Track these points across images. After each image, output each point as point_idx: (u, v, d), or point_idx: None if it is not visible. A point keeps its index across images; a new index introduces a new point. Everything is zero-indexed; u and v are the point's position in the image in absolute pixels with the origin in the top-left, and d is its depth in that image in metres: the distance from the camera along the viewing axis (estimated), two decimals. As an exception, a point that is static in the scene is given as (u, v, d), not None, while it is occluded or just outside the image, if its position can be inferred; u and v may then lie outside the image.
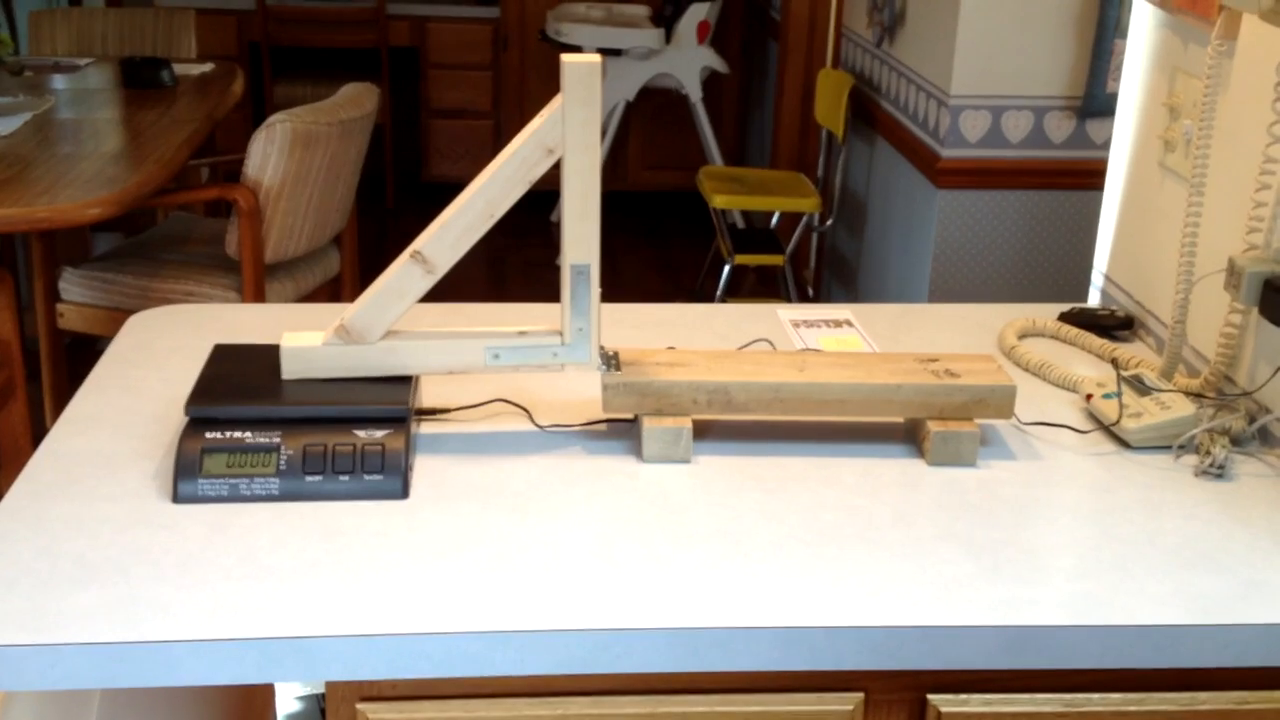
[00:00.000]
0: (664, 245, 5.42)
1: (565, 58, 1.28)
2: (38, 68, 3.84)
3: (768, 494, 1.32)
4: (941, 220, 3.11)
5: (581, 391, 1.51)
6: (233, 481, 1.26)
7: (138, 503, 1.26)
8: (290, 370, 1.35)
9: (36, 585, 1.12)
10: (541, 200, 5.31)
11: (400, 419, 1.31)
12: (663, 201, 5.80)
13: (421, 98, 5.70)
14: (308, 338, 1.36)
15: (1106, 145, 2.89)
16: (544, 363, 1.38)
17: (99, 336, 3.20)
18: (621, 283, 4.90)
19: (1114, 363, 1.65)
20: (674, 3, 5.22)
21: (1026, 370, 1.63)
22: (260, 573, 1.15)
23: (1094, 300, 1.90)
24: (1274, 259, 1.44)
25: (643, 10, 5.43)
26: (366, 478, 1.28)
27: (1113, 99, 2.92)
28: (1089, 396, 1.51)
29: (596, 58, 1.29)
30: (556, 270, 1.30)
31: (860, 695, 1.18)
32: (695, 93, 5.23)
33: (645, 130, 5.70)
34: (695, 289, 4.77)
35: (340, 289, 3.50)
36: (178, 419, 1.39)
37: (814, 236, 4.31)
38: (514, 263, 5.10)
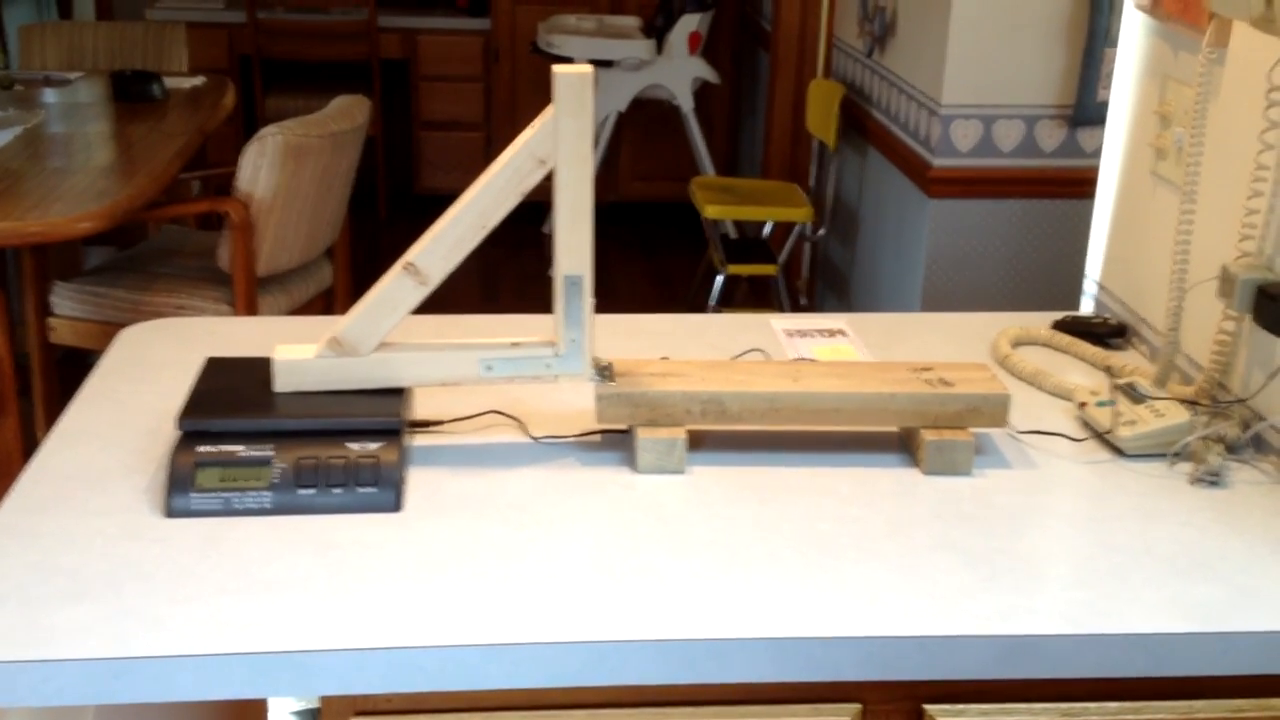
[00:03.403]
0: (656, 256, 5.42)
1: (557, 68, 1.28)
2: (28, 81, 3.83)
3: (762, 504, 1.31)
4: (933, 229, 3.12)
5: (575, 402, 1.50)
6: (225, 495, 1.26)
7: (130, 517, 1.25)
8: (283, 383, 1.35)
9: (28, 600, 1.11)
10: (533, 211, 5.30)
11: (394, 431, 1.31)
12: (655, 212, 5.80)
13: (413, 110, 5.70)
14: (300, 350, 1.36)
15: (1097, 153, 2.90)
16: (538, 374, 1.37)
17: (91, 351, 3.19)
18: (614, 293, 4.90)
19: (1108, 371, 1.64)
20: (665, 14, 5.23)
21: (1020, 379, 1.63)
22: (254, 587, 1.14)
23: (1087, 308, 1.90)
24: (1267, 266, 1.44)
25: (634, 21, 5.44)
26: (360, 490, 1.27)
27: (1103, 107, 2.92)
28: (1083, 404, 1.51)
29: (588, 68, 1.29)
30: (548, 281, 1.29)
31: (857, 706, 1.18)
32: (687, 103, 5.24)
33: (637, 141, 5.70)
34: (688, 299, 4.77)
35: (333, 301, 3.50)
36: (170, 433, 1.39)
37: (806, 246, 4.31)
38: (506, 274, 5.10)
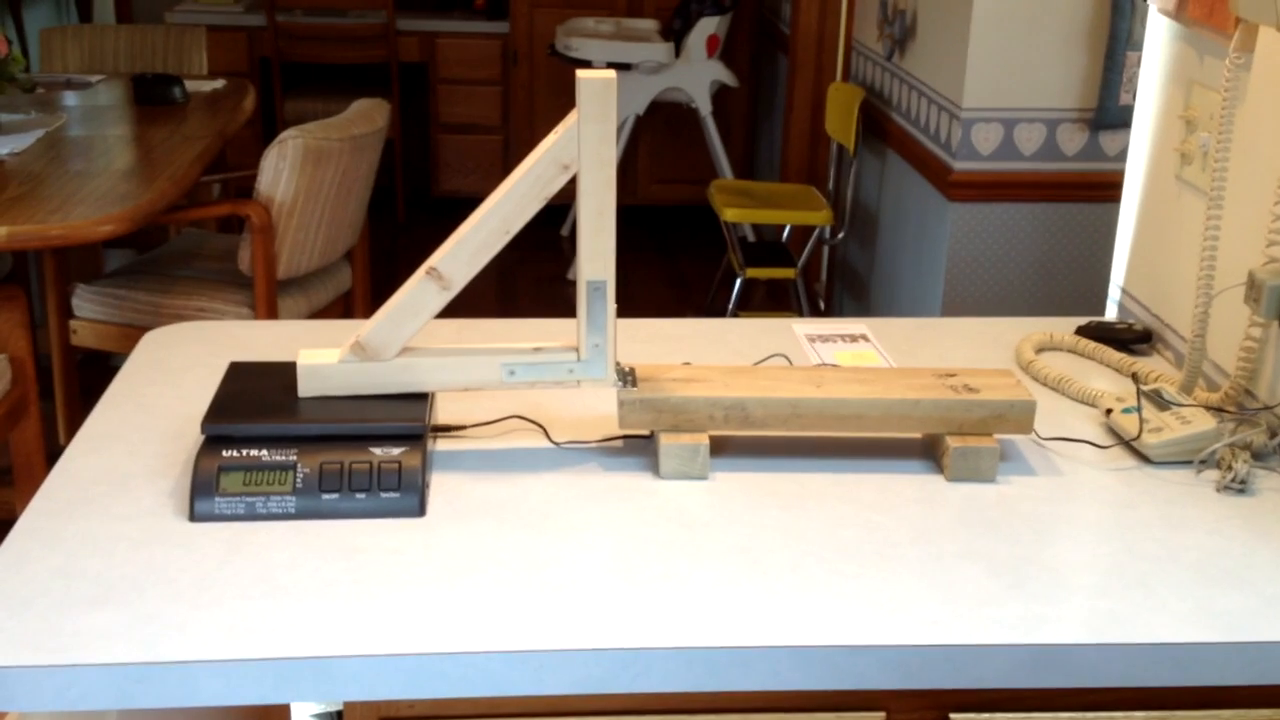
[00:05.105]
0: (674, 259, 5.42)
1: (581, 73, 1.28)
2: (49, 85, 3.85)
3: (786, 511, 1.31)
4: (954, 233, 3.11)
5: (597, 408, 1.50)
6: (249, 500, 1.26)
7: (154, 521, 1.25)
8: (307, 388, 1.35)
9: (53, 605, 1.11)
10: (551, 215, 5.31)
11: (417, 436, 1.31)
12: (672, 215, 5.80)
13: (431, 113, 5.71)
14: (324, 355, 1.36)
15: (1120, 157, 2.88)
16: (560, 379, 1.37)
17: (111, 353, 3.21)
18: (632, 296, 4.90)
19: (1134, 377, 1.64)
20: (683, 17, 5.22)
21: (1045, 385, 1.62)
22: (277, 592, 1.14)
23: (1111, 314, 1.89)
24: (1294, 272, 1.43)
25: (652, 24, 5.44)
26: (383, 495, 1.27)
27: (1125, 111, 2.92)
28: (1109, 411, 1.50)
29: (611, 74, 1.29)
30: (566, 285, 1.29)
31: (881, 715, 1.17)
32: (705, 106, 5.24)
33: (655, 144, 5.70)
34: (706, 303, 4.77)
35: (352, 304, 3.50)
36: (193, 437, 1.39)
37: (825, 250, 4.30)
38: (523, 278, 5.10)
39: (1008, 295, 3.15)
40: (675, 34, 5.23)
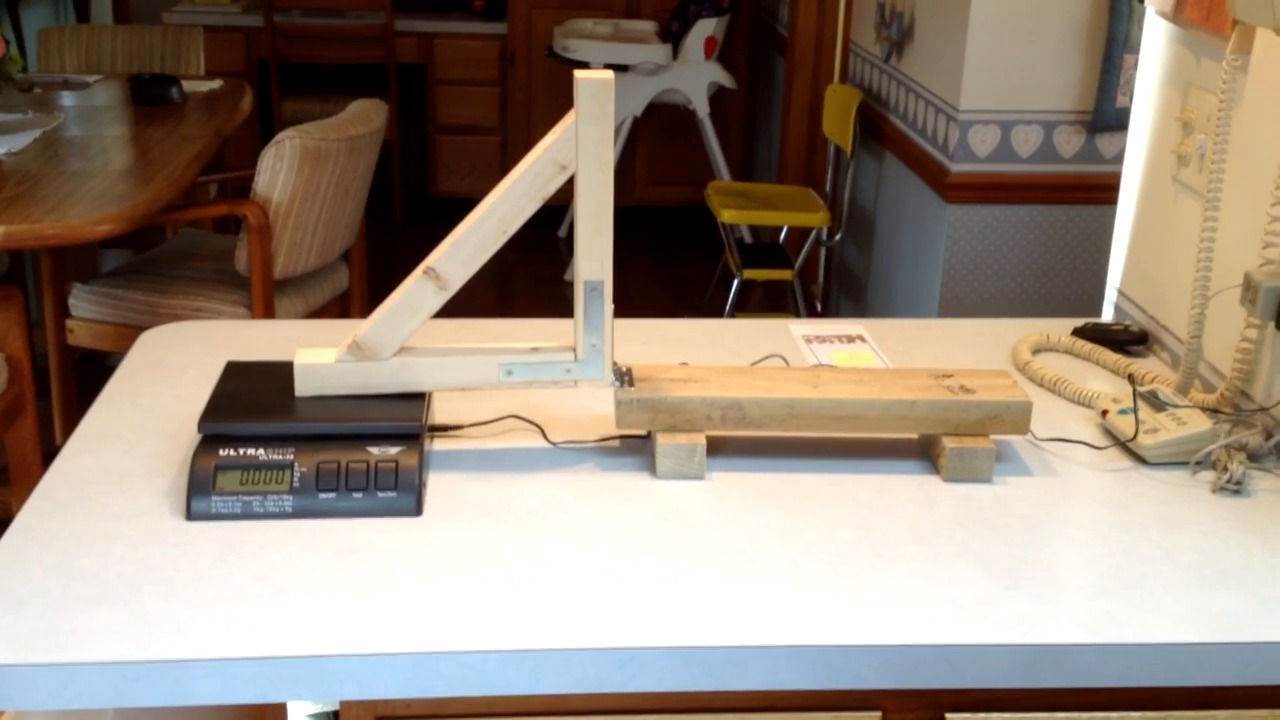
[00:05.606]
0: (671, 260, 5.42)
1: (578, 74, 1.28)
2: (46, 85, 3.85)
3: (782, 511, 1.31)
4: (951, 235, 3.11)
5: (594, 408, 1.50)
6: (246, 499, 1.26)
7: (151, 520, 1.25)
8: (303, 387, 1.35)
9: (49, 604, 1.11)
10: (548, 216, 5.31)
11: (413, 435, 1.31)
12: (670, 216, 5.80)
13: (429, 114, 5.71)
14: (321, 355, 1.36)
15: (1116, 160, 2.89)
16: (557, 379, 1.37)
17: (108, 353, 3.21)
18: (629, 297, 4.90)
19: (1130, 378, 1.64)
20: (681, 18, 5.23)
21: (1041, 386, 1.63)
22: (274, 591, 1.14)
23: (1107, 315, 1.90)
24: (1290, 274, 1.43)
25: (650, 26, 5.44)
26: (380, 495, 1.27)
27: (1122, 113, 2.92)
28: (1105, 412, 1.51)
29: (609, 74, 1.29)
30: (563, 285, 1.29)
31: (877, 714, 1.17)
32: (703, 108, 5.24)
33: (652, 145, 5.71)
34: (703, 304, 4.77)
35: (349, 305, 3.50)
36: (190, 436, 1.39)
37: (822, 251, 4.30)
38: (521, 277, 5.10)
39: (1004, 297, 3.16)
40: (673, 35, 5.24)
